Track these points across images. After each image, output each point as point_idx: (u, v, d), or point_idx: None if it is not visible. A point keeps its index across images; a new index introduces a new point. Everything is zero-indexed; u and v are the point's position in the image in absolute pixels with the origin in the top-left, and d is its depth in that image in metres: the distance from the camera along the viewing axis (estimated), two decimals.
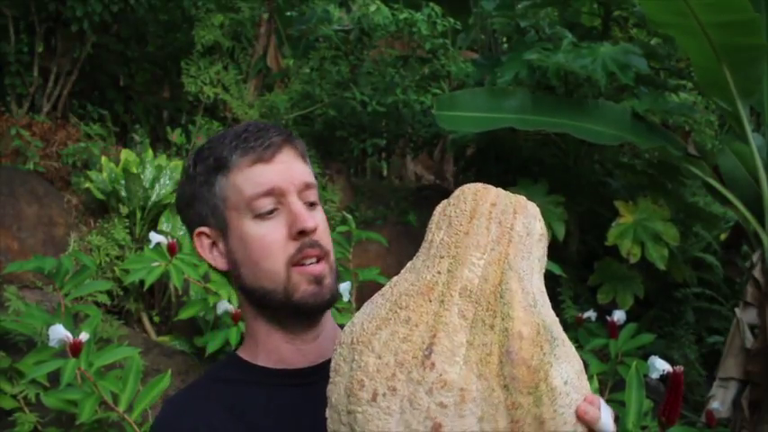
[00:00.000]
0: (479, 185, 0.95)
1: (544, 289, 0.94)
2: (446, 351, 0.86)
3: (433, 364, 0.85)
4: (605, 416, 0.88)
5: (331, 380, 0.92)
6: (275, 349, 1.13)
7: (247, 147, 1.09)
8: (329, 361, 0.97)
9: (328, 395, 0.92)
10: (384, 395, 0.86)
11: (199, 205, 1.13)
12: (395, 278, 0.95)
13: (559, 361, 0.87)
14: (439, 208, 0.96)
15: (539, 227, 0.94)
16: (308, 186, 1.11)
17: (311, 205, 1.12)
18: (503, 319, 0.86)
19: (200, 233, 1.14)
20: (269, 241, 1.08)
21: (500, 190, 0.95)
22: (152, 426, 1.14)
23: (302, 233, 1.07)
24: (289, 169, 1.10)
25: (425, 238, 0.95)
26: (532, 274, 0.92)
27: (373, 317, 0.91)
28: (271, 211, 1.08)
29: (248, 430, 1.07)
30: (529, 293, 0.89)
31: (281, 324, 1.12)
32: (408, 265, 0.95)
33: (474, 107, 4.12)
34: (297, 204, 1.09)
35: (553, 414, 0.85)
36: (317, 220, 1.10)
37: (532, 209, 0.94)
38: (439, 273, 0.90)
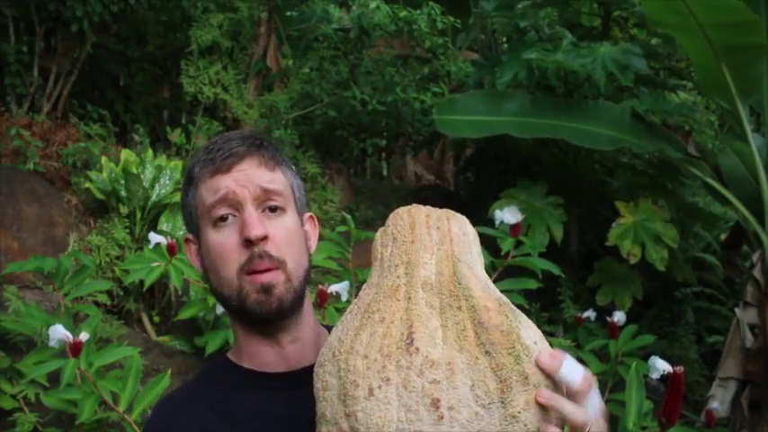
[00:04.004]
0: (410, 206, 1.05)
1: (489, 279, 1.02)
2: (425, 336, 0.92)
3: (417, 349, 0.91)
4: (569, 367, 0.91)
5: (321, 398, 0.95)
6: (255, 352, 1.15)
7: (208, 159, 1.13)
8: (312, 366, 0.99)
9: (321, 413, 0.95)
10: (380, 387, 0.90)
11: (185, 214, 1.19)
12: (355, 299, 1.01)
13: (524, 326, 0.95)
14: (378, 234, 1.04)
15: (470, 229, 1.04)
16: (267, 192, 1.12)
17: (273, 211, 1.12)
18: (467, 300, 0.95)
19: (188, 240, 1.20)
20: (225, 248, 1.11)
21: (429, 207, 1.05)
22: (145, 425, 1.16)
23: (249, 241, 1.09)
24: (247, 177, 1.11)
25: (374, 259, 1.03)
26: (477, 265, 1.01)
27: (348, 329, 0.96)
28: (224, 218, 1.11)
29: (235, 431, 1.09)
30: (481, 279, 0.99)
31: (253, 329, 1.14)
32: (364, 286, 1.02)
33: (474, 111, 4.12)
34: (248, 212, 1.10)
35: (534, 369, 0.92)
36: (270, 228, 1.10)
37: (461, 216, 1.04)
38: (398, 277, 0.97)
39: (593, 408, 0.93)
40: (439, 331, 0.92)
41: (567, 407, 0.90)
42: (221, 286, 1.12)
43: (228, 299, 1.12)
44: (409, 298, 0.95)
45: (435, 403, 0.89)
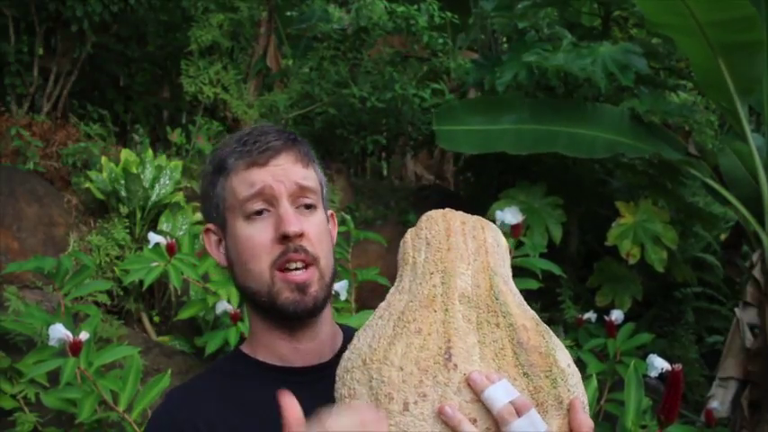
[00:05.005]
0: (444, 210, 1.02)
1: (521, 295, 1.00)
2: (463, 352, 0.90)
3: (455, 366, 0.89)
4: (496, 391, 0.88)
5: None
6: (271, 345, 1.14)
7: (244, 150, 1.11)
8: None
9: None
10: (416, 402, 0.88)
11: (207, 203, 1.17)
12: (383, 303, 0.99)
13: (558, 348, 0.94)
14: (409, 235, 1.02)
15: (503, 240, 1.02)
16: (302, 189, 1.11)
17: (308, 208, 1.12)
18: (504, 317, 0.92)
19: (208, 230, 1.18)
20: (256, 242, 1.09)
21: (462, 212, 1.02)
22: (152, 415, 1.16)
23: (285, 237, 1.08)
24: (283, 172, 1.10)
25: (405, 262, 1.00)
26: (510, 280, 1.00)
27: (380, 336, 0.93)
28: (259, 212, 1.09)
29: (245, 423, 1.09)
30: (516, 294, 0.97)
31: (276, 324, 1.13)
32: (392, 290, 0.99)
33: (472, 120, 4.15)
34: (284, 207, 1.09)
35: (568, 393, 0.91)
36: (305, 224, 1.10)
37: (494, 225, 1.03)
38: (434, 286, 0.94)
39: None
40: (476, 348, 0.90)
41: (464, 429, 0.87)
42: (249, 280, 1.11)
43: (257, 294, 1.10)
44: (446, 309, 0.92)
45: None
